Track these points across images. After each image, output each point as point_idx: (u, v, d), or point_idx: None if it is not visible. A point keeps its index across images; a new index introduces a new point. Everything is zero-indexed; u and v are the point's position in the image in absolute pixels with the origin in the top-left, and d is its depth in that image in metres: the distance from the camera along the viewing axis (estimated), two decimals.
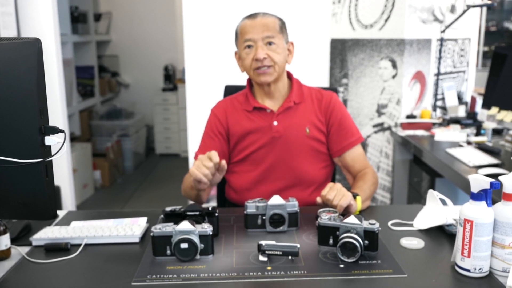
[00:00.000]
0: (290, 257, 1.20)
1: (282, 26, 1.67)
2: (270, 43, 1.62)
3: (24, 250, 1.28)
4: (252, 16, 1.65)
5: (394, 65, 2.89)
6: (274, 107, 1.71)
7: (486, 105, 2.52)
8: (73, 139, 4.47)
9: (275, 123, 1.69)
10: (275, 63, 1.63)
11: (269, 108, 1.70)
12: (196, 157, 1.76)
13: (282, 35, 1.65)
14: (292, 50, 1.72)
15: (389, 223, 1.42)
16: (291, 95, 1.71)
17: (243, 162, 1.72)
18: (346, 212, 1.42)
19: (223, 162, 1.46)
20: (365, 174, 1.69)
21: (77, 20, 4.74)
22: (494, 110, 2.45)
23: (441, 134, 2.58)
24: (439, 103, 3.07)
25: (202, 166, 1.42)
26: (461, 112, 2.98)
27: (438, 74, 2.99)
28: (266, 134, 1.69)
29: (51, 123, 0.97)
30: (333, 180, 1.89)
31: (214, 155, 1.43)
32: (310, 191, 1.70)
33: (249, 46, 1.63)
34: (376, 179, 1.69)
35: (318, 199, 1.46)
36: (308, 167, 1.69)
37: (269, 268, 1.16)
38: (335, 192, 1.42)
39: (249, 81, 1.75)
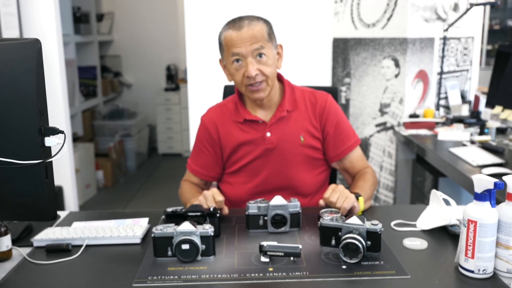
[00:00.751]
0: (292, 258, 1.19)
1: (270, 32, 1.57)
2: (260, 55, 1.53)
3: (25, 251, 1.27)
4: (237, 25, 1.54)
5: (397, 64, 2.87)
6: (266, 117, 1.65)
7: (490, 104, 2.51)
8: (76, 139, 4.48)
9: (268, 134, 1.63)
10: (267, 77, 1.55)
11: (261, 119, 1.64)
12: (188, 166, 1.75)
13: (271, 43, 1.56)
14: (281, 53, 1.63)
15: (392, 223, 1.41)
16: (283, 103, 1.64)
17: (237, 174, 1.69)
18: (349, 213, 1.40)
19: (226, 210, 1.48)
20: (365, 174, 1.66)
21: (79, 20, 4.75)
22: (497, 109, 2.44)
23: (445, 133, 2.57)
24: (442, 102, 3.06)
25: (205, 204, 1.43)
26: (465, 111, 2.97)
27: (441, 73, 2.97)
28: (260, 146, 1.64)
29: (54, 123, 0.97)
30: (335, 182, 1.87)
31: (219, 198, 1.44)
32: (308, 199, 1.68)
33: (237, 61, 1.54)
34: (375, 179, 1.67)
35: (321, 202, 1.45)
36: (305, 176, 1.66)
37: (270, 269, 1.15)
38: (338, 194, 1.40)
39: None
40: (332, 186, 1.44)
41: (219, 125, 1.68)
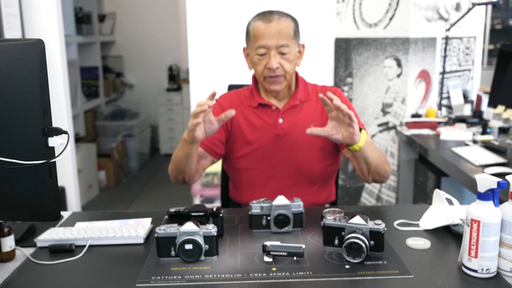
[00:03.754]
0: (295, 258, 1.19)
1: (296, 30, 1.64)
2: (283, 51, 1.59)
3: (28, 251, 1.27)
4: (267, 18, 1.60)
5: (399, 64, 2.87)
6: (279, 105, 1.70)
7: (492, 103, 2.51)
8: (78, 139, 4.48)
9: (281, 120, 1.68)
10: (286, 72, 1.62)
11: (274, 105, 1.69)
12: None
13: (295, 41, 1.63)
14: (302, 52, 1.70)
15: (395, 223, 1.41)
16: (297, 93, 1.70)
17: (246, 159, 1.70)
18: (346, 134, 1.44)
19: (231, 111, 1.47)
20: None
21: (81, 21, 4.75)
22: (500, 108, 2.43)
23: (447, 133, 2.57)
24: (444, 101, 3.05)
25: (199, 106, 1.40)
26: (467, 110, 2.97)
27: (443, 72, 2.97)
28: (271, 131, 1.68)
29: (56, 124, 0.97)
30: (337, 179, 1.88)
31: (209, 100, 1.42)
32: (315, 188, 1.70)
33: (261, 52, 1.60)
34: (387, 162, 1.63)
35: (321, 95, 1.44)
36: (313, 165, 1.68)
37: (274, 269, 1.15)
38: (345, 107, 1.40)
39: (254, 76, 1.73)
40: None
41: (234, 107, 1.69)
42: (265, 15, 1.62)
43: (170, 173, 1.68)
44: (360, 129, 1.50)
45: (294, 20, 1.65)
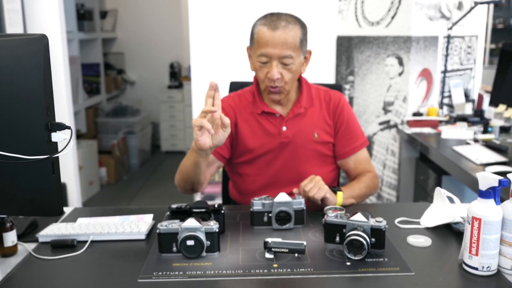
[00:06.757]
0: (296, 255, 1.20)
1: (303, 38, 1.57)
2: (286, 63, 1.55)
3: (30, 246, 1.28)
4: (273, 24, 1.53)
5: (401, 63, 2.87)
6: (283, 112, 1.68)
7: (494, 102, 2.51)
8: (79, 136, 4.48)
9: (284, 128, 1.66)
10: (286, 83, 1.58)
11: (278, 112, 1.67)
12: None
13: (300, 50, 1.57)
14: (308, 58, 1.65)
15: (396, 220, 1.41)
16: (300, 99, 1.67)
17: (249, 165, 1.70)
18: (323, 204, 1.47)
19: (227, 121, 1.41)
20: (363, 176, 1.69)
21: (83, 17, 4.75)
22: (501, 107, 2.43)
23: (448, 132, 2.57)
24: (445, 100, 3.06)
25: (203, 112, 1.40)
26: (468, 109, 2.97)
27: (445, 71, 2.97)
28: (275, 139, 1.66)
29: (57, 120, 0.97)
30: (338, 180, 1.88)
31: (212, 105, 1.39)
32: None
33: (263, 59, 1.55)
34: (373, 183, 1.69)
35: (295, 190, 1.50)
36: (316, 172, 1.66)
37: (275, 265, 1.16)
38: (313, 184, 1.46)
39: (257, 79, 1.71)
40: (311, 176, 1.50)
41: (237, 112, 1.70)
42: (272, 21, 1.54)
43: (177, 183, 1.65)
44: (335, 191, 1.52)
45: (303, 27, 1.58)
